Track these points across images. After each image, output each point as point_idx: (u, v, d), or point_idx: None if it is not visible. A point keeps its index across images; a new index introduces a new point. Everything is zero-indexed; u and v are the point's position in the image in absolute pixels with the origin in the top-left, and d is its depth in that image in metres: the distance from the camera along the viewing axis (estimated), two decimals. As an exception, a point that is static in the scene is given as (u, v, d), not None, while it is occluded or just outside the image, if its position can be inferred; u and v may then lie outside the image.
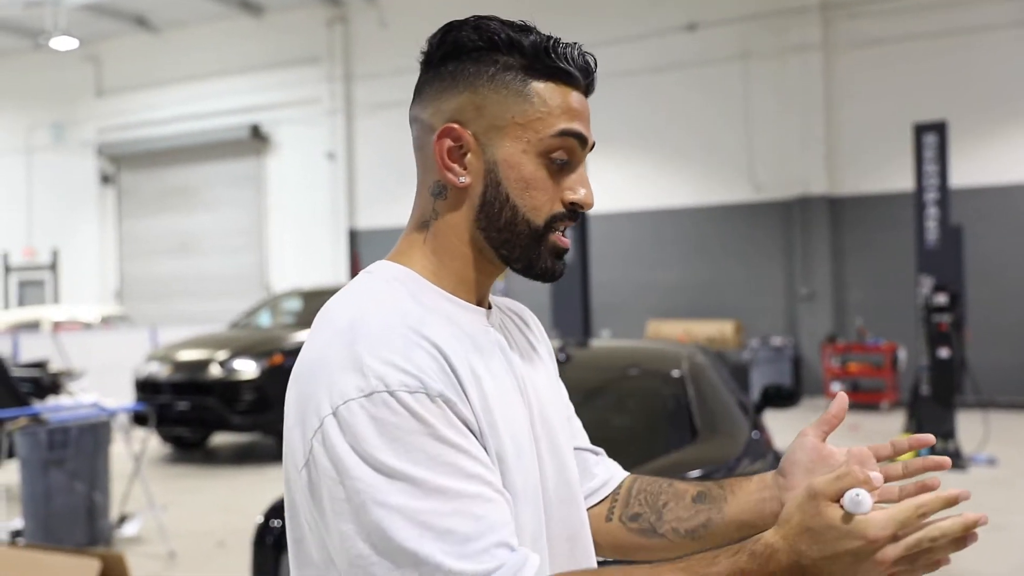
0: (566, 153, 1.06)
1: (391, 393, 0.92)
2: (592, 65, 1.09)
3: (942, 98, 11.20)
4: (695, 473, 3.00)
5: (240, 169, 16.26)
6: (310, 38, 15.43)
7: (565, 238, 1.09)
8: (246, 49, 15.89)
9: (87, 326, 13.09)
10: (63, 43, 15.01)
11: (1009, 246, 11.23)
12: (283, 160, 15.88)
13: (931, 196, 8.47)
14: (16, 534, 5.51)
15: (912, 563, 0.88)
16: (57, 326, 12.30)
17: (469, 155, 1.06)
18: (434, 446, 0.91)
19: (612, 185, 12.27)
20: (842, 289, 12.14)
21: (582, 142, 1.07)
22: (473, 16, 1.07)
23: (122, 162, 17.39)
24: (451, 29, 1.07)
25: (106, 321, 13.78)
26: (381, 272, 1.08)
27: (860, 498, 0.87)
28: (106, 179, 17.44)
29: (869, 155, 11.99)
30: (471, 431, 0.96)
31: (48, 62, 17.21)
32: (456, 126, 1.05)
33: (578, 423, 1.32)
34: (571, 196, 1.07)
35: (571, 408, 1.29)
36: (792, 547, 0.89)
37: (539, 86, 1.05)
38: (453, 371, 0.97)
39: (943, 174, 8.46)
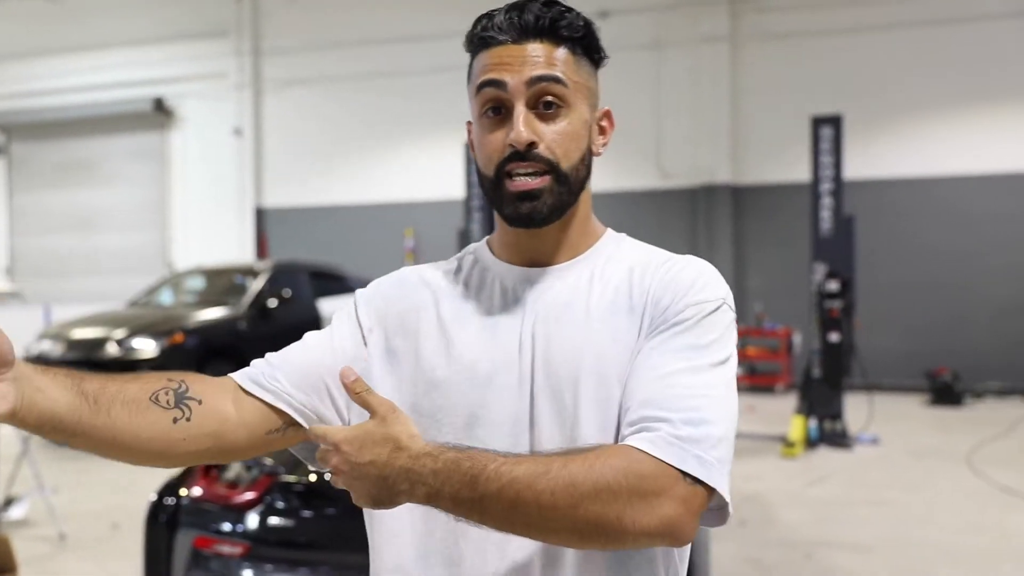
0: (492, 102, 1.16)
1: None
2: (523, 14, 1.14)
3: (839, 93, 11.62)
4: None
5: (142, 143, 15.72)
6: (217, 10, 14.98)
7: (518, 181, 1.14)
8: (150, 19, 15.32)
9: (-25, 303, 12.51)
10: (-50, 5, 14.22)
11: (897, 238, 11.76)
12: (188, 135, 15.42)
13: (826, 187, 8.80)
14: None
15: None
16: (-58, 302, 11.72)
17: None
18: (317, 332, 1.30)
19: (523, 169, 12.31)
20: (743, 275, 12.51)
21: (497, 86, 1.14)
22: None
23: (13, 133, 16.58)
24: None
25: (-4, 298, 13.19)
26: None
27: None
28: (-4, 150, 16.64)
29: (771, 145, 12.36)
30: (361, 327, 1.26)
31: (-66, 24, 16.28)
32: (468, 122, 1.25)
33: (643, 395, 1.08)
34: (507, 139, 1.14)
35: (638, 378, 1.10)
36: None
37: (474, 63, 1.19)
38: (384, 297, 1.28)
39: (838, 166, 8.79)
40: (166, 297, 10.29)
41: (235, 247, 14.70)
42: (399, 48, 13.60)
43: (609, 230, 1.31)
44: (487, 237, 1.30)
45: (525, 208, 1.14)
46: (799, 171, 11.25)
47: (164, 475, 3.51)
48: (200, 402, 1.15)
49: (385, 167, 14.13)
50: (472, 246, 1.32)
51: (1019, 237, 11.40)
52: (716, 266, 1.23)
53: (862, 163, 11.43)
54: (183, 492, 3.32)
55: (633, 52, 12.68)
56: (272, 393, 1.20)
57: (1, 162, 16.69)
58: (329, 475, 1.07)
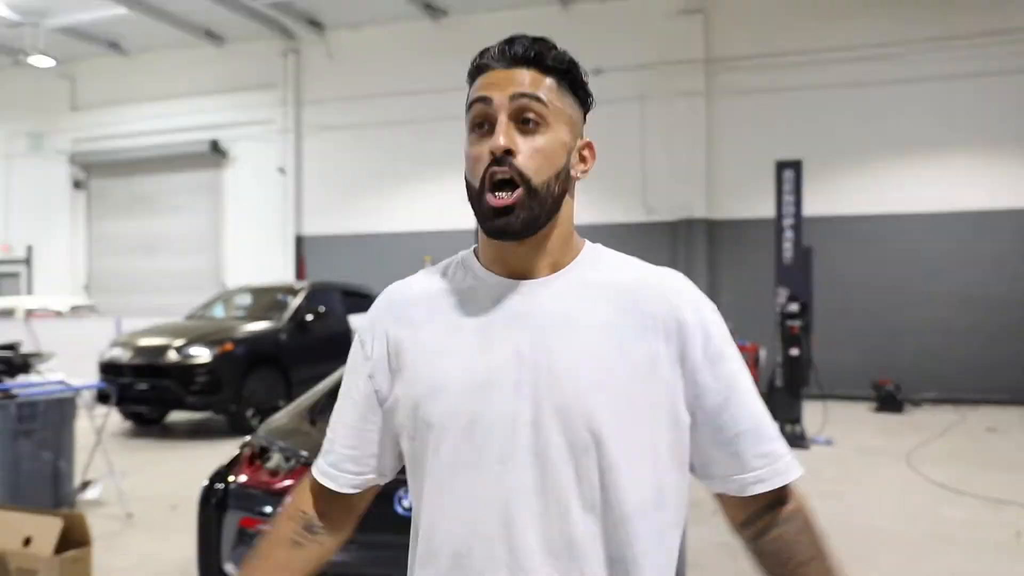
0: (479, 117, 1.12)
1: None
2: (514, 45, 1.13)
3: (800, 140, 11.68)
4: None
5: (200, 179, 15.88)
6: (266, 66, 15.19)
7: (496, 197, 1.09)
8: (208, 74, 15.54)
9: (58, 314, 12.63)
10: (41, 61, 14.47)
11: (849, 266, 11.78)
12: (239, 172, 15.58)
13: (788, 222, 8.84)
14: (-15, 498, 5.32)
15: None
16: (30, 314, 11.84)
17: None
18: (346, 374, 1.25)
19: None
20: (717, 298, 12.43)
21: (484, 102, 1.11)
22: None
23: (93, 170, 16.79)
24: None
25: (75, 311, 13.31)
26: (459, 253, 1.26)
27: None
28: (78, 184, 16.82)
29: (741, 185, 12.42)
30: (373, 361, 1.20)
31: (28, 78, 16.52)
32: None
33: (748, 423, 1.18)
34: (489, 147, 1.10)
35: (701, 388, 1.16)
36: None
37: (470, 89, 1.15)
38: (381, 321, 1.20)
39: (798, 204, 8.84)
40: (218, 311, 10.37)
41: (279, 269, 14.80)
42: (418, 99, 13.73)
43: (586, 241, 1.23)
44: (473, 247, 1.21)
45: (500, 223, 1.09)
46: (765, 208, 11.29)
47: (216, 463, 3.56)
48: (322, 527, 1.27)
49: (406, 200, 14.24)
50: (459, 255, 1.23)
51: (954, 267, 11.40)
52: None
53: (820, 201, 11.47)
54: (231, 479, 3.37)
55: (622, 104, 12.78)
56: (345, 485, 1.25)
57: (82, 195, 16.89)
58: None
